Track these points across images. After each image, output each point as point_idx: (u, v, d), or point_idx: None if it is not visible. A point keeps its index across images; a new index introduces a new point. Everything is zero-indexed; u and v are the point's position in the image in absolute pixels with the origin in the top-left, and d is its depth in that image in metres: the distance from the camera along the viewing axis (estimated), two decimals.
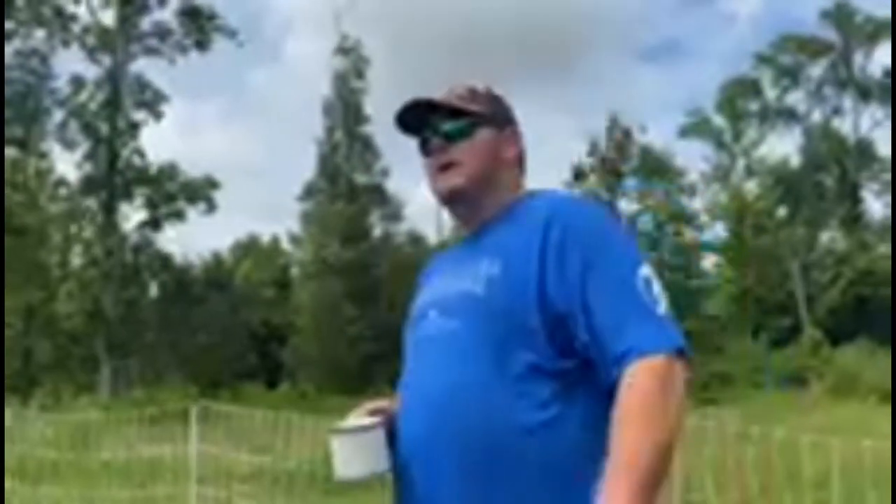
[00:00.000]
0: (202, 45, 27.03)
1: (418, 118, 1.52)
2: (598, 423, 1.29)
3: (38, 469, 6.22)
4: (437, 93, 1.54)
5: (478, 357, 1.33)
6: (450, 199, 1.51)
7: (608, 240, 1.36)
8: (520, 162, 1.56)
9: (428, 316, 1.44)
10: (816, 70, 32.92)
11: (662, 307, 1.30)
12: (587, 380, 1.32)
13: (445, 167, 1.48)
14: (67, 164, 31.19)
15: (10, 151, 25.02)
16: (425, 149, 1.53)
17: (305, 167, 31.70)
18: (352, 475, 1.37)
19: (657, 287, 1.32)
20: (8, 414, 6.96)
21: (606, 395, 1.28)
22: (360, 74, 30.34)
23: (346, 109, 30.07)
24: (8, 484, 5.82)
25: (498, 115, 1.53)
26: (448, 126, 1.49)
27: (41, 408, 14.33)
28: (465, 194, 1.48)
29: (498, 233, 1.44)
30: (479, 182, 1.47)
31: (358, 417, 1.43)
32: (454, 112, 1.49)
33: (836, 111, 33.16)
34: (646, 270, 1.33)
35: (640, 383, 1.23)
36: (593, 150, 36.51)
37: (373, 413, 1.44)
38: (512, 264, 1.36)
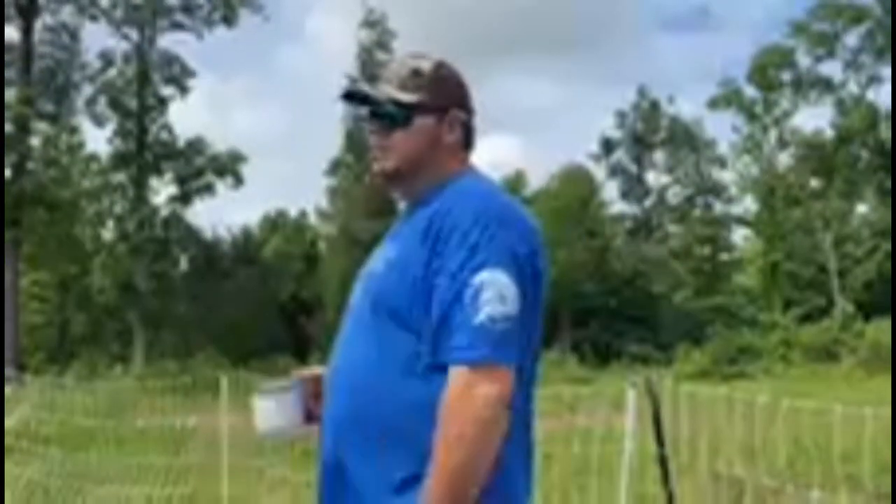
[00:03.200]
0: (229, 20, 27.07)
1: (361, 93, 1.58)
2: None
3: (77, 436, 6.40)
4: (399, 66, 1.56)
5: (369, 335, 1.43)
6: (383, 180, 1.56)
7: (461, 242, 1.37)
8: (466, 142, 1.56)
9: (355, 289, 1.54)
10: (853, 38, 32.06)
11: (481, 316, 1.32)
12: None
13: (382, 150, 1.53)
14: (98, 140, 31.56)
15: (42, 126, 25.37)
16: (364, 126, 1.58)
17: (332, 142, 31.75)
18: (265, 430, 1.54)
19: (489, 294, 1.33)
20: (46, 383, 7.16)
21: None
22: (385, 47, 30.21)
23: (371, 83, 30.00)
24: (48, 450, 6.00)
25: (440, 100, 1.52)
26: (387, 112, 1.52)
27: (78, 378, 14.68)
28: (398, 177, 1.54)
29: (411, 217, 1.51)
30: (412, 167, 1.52)
31: (282, 381, 1.59)
32: (388, 101, 1.52)
33: (873, 80, 32.30)
34: (482, 276, 1.34)
35: (445, 399, 1.31)
36: (622, 121, 36.15)
37: (303, 377, 1.59)
38: (402, 254, 1.45)
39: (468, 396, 1.30)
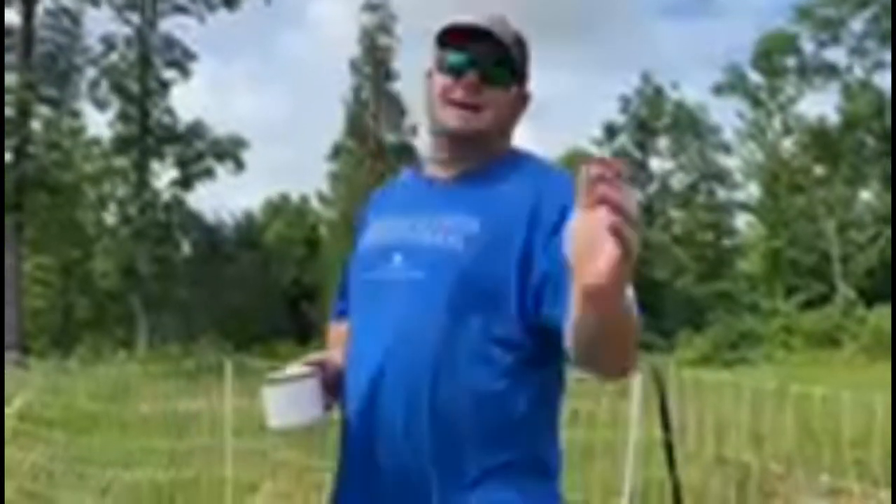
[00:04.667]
0: (231, 2, 26.90)
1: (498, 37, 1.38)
2: (546, 402, 1.34)
3: (81, 420, 6.42)
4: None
5: (441, 312, 1.30)
6: (461, 138, 1.39)
7: None
8: None
9: (392, 259, 1.37)
10: (858, 24, 31.82)
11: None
12: (544, 358, 1.31)
13: (473, 106, 1.37)
14: (100, 124, 31.49)
15: (43, 111, 25.31)
16: (452, 70, 1.38)
17: (334, 127, 31.63)
18: (280, 424, 1.36)
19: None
20: (50, 367, 7.17)
21: (558, 375, 1.35)
22: (388, 31, 30.06)
23: (374, 67, 29.88)
24: (52, 433, 6.01)
25: (526, 72, 1.44)
26: (495, 68, 1.38)
27: (81, 362, 14.72)
28: (479, 140, 1.39)
29: (476, 188, 1.37)
30: (496, 133, 1.41)
31: (293, 369, 1.41)
32: (500, 53, 1.37)
33: (878, 66, 32.08)
34: None
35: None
36: (625, 107, 36.01)
37: (312, 365, 1.42)
38: (493, 227, 1.31)
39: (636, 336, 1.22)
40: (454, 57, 1.38)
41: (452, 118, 1.37)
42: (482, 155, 1.41)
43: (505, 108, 1.40)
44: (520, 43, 1.41)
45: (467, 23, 1.36)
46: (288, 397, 1.35)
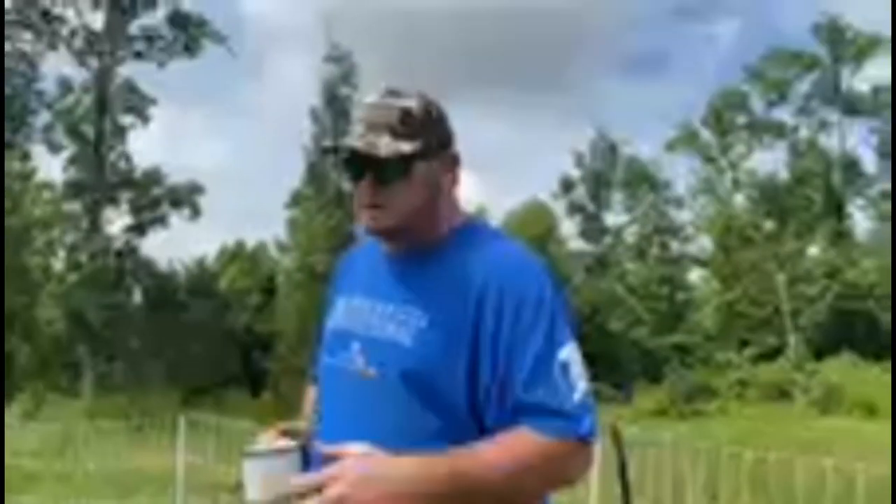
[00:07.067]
0: (191, 50, 26.95)
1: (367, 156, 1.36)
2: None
3: (21, 478, 6.13)
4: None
5: (390, 414, 1.31)
6: (380, 235, 1.41)
7: (536, 318, 1.30)
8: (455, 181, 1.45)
9: (350, 348, 1.38)
10: (804, 85, 33.23)
11: (577, 394, 1.28)
12: None
13: (377, 206, 1.36)
14: (52, 168, 30.93)
15: None
16: (351, 175, 1.39)
17: (293, 175, 31.55)
18: (261, 499, 1.32)
19: (577, 368, 1.30)
20: None
21: None
22: (349, 82, 30.34)
23: (335, 116, 30.06)
24: None
25: (435, 142, 1.39)
26: (388, 167, 1.35)
27: (24, 414, 14.15)
28: (396, 234, 1.40)
29: (427, 274, 1.37)
30: (412, 219, 1.37)
31: (270, 439, 1.40)
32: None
33: (823, 126, 33.45)
34: (565, 353, 1.30)
35: (532, 448, 1.25)
36: (579, 161, 36.76)
37: (286, 434, 1.42)
38: (440, 324, 1.32)
39: (570, 466, 1.28)
40: (348, 162, 1.38)
41: (364, 220, 1.39)
42: (417, 238, 1.40)
43: (413, 197, 1.36)
44: (409, 118, 1.35)
45: (346, 146, 1.37)
46: (269, 471, 1.31)
